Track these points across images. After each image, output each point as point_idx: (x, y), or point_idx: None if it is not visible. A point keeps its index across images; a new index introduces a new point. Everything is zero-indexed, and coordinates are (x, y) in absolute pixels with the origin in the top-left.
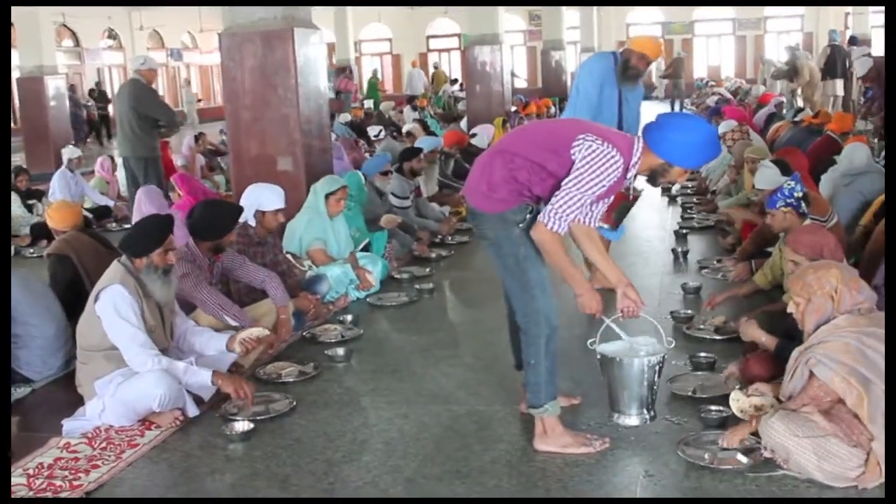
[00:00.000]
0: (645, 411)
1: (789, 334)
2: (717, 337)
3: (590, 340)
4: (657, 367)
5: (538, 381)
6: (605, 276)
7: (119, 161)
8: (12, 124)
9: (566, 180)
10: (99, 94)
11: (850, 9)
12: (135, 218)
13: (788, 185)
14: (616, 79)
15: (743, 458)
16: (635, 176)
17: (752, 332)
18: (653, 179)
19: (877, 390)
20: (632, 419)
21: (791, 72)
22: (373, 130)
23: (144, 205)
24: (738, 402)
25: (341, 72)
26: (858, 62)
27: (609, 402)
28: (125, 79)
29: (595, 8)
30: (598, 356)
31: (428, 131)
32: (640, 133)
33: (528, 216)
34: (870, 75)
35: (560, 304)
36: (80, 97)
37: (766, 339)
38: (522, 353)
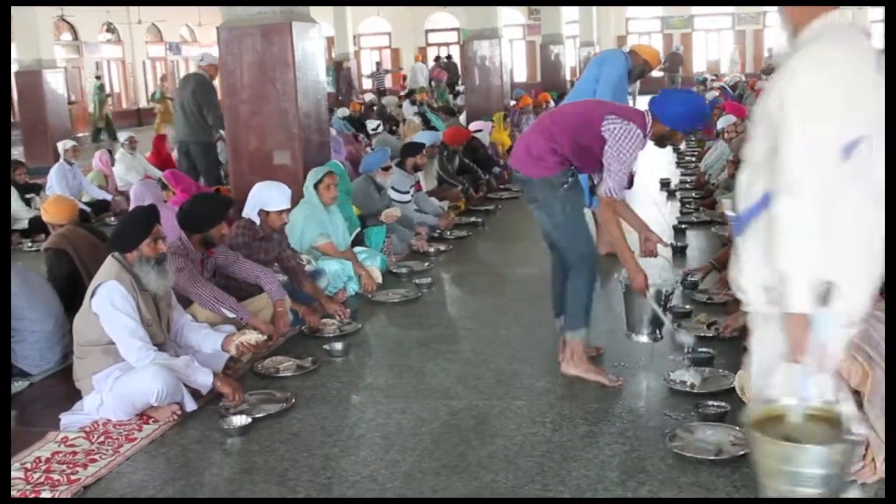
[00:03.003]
0: (656, 332)
1: None
2: (710, 334)
3: (616, 274)
4: (667, 296)
5: (578, 308)
6: (632, 227)
7: (118, 155)
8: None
9: (608, 159)
10: None
11: None
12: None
13: None
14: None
15: (740, 452)
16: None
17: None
18: (660, 143)
19: (879, 372)
20: (643, 337)
21: None
22: (371, 124)
23: (146, 198)
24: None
25: (437, 61)
26: None
27: (626, 325)
28: (124, 72)
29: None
30: (622, 286)
31: (428, 125)
32: (648, 107)
33: (569, 178)
34: None
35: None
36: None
37: None
38: (569, 288)
